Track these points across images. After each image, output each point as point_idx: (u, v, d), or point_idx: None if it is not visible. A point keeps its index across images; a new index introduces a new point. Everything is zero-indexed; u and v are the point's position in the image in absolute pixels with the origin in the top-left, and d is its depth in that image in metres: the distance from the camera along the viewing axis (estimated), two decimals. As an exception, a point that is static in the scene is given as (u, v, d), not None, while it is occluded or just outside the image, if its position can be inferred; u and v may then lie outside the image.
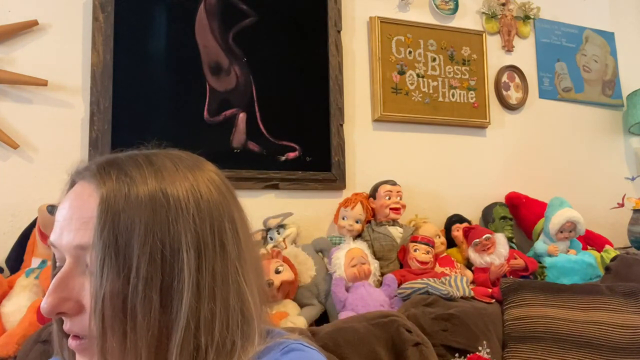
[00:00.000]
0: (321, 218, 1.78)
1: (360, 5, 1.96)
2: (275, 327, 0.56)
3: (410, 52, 1.98)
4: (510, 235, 1.85)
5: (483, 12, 2.18)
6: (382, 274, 1.58)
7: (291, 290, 1.44)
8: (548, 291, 1.48)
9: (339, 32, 1.86)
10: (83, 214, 0.47)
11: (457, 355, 1.30)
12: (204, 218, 0.49)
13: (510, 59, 2.21)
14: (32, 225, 1.36)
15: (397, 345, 1.20)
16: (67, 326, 0.47)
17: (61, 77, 1.53)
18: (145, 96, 1.59)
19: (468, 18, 2.15)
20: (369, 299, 1.41)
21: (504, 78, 2.17)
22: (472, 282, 1.63)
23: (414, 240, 1.64)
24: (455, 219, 1.87)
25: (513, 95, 2.18)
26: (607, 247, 1.87)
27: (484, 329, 1.37)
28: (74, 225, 0.47)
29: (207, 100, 1.66)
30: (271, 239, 1.60)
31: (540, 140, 2.22)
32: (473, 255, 1.66)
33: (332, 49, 1.84)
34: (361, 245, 1.55)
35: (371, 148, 1.90)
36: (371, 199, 1.75)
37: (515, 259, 1.66)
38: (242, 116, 1.70)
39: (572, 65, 2.33)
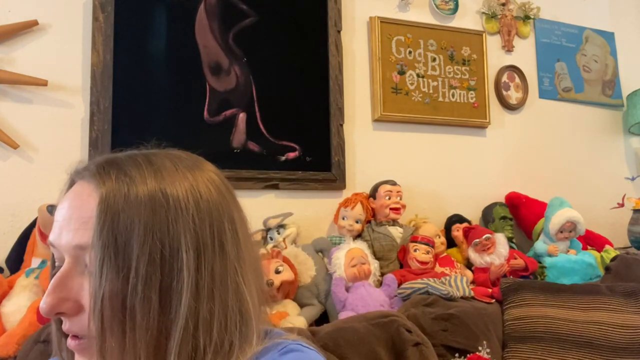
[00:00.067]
0: (321, 218, 1.78)
1: (360, 5, 1.96)
2: (274, 328, 0.56)
3: (410, 52, 1.98)
4: (510, 235, 1.85)
5: (483, 12, 2.18)
6: (382, 274, 1.58)
7: (291, 290, 1.44)
8: (548, 291, 1.48)
9: (339, 32, 1.86)
10: (82, 214, 0.47)
11: (457, 355, 1.30)
12: (204, 218, 0.49)
13: (510, 59, 2.20)
14: (32, 225, 1.36)
15: (397, 345, 1.20)
16: (66, 326, 0.47)
17: (61, 77, 1.53)
18: (145, 96, 1.59)
19: (468, 18, 2.15)
20: (369, 299, 1.41)
21: (504, 78, 2.17)
22: (472, 282, 1.63)
23: (414, 240, 1.64)
24: (455, 219, 1.87)
25: (513, 95, 2.18)
26: (607, 247, 1.87)
27: (484, 329, 1.37)
28: (73, 225, 0.47)
29: (207, 100, 1.66)
30: (271, 239, 1.60)
31: (540, 140, 2.21)
32: (473, 255, 1.66)
33: (332, 49, 1.84)
34: (361, 245, 1.55)
35: (371, 148, 1.90)
36: (371, 199, 1.75)
37: (515, 259, 1.66)
38: (242, 116, 1.70)
39: (572, 65, 2.33)
